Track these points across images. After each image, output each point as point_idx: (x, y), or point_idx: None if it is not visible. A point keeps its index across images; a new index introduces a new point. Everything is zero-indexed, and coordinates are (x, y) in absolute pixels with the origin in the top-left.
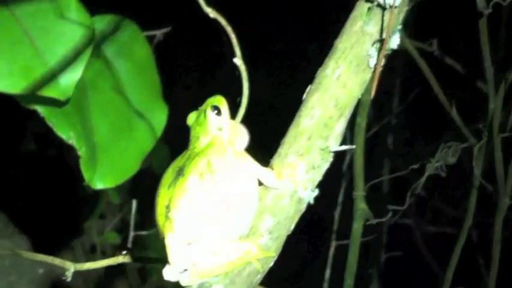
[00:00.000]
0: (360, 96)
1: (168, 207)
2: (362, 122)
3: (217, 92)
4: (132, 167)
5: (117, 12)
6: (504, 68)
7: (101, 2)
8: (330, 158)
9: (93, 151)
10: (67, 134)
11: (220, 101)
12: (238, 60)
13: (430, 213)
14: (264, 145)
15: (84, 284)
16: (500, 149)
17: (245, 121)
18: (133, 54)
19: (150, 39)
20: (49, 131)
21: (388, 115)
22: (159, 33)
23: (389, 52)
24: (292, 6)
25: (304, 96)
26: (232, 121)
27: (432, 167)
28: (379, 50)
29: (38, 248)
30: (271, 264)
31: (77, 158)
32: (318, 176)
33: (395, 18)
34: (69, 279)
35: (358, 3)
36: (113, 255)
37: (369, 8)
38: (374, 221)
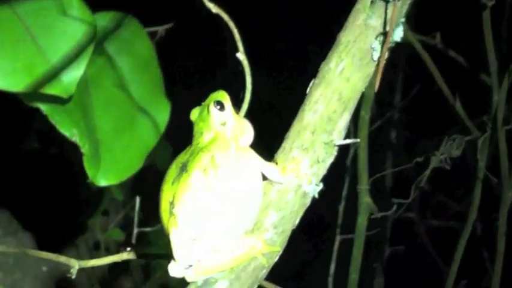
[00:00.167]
0: (363, 90)
1: (172, 203)
2: (366, 115)
3: (217, 90)
4: (136, 163)
5: (118, 10)
6: (507, 60)
7: None
8: (334, 152)
9: (97, 148)
10: (70, 132)
11: (224, 96)
12: (241, 55)
13: (434, 207)
14: (265, 144)
15: (88, 281)
16: (505, 141)
17: (246, 119)
18: (135, 50)
19: (151, 37)
20: (52, 129)
21: (390, 110)
22: (160, 29)
23: (393, 45)
24: (292, 6)
25: (308, 90)
26: (237, 116)
27: (437, 159)
28: (383, 43)
29: (41, 246)
30: (276, 259)
31: (80, 155)
32: (322, 170)
33: (399, 11)
34: (73, 277)
35: None
36: (117, 252)
37: (372, 1)
38: (378, 215)
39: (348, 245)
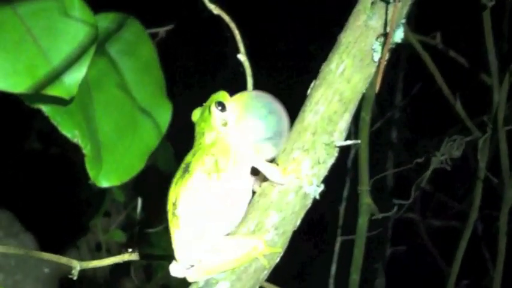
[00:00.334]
0: (364, 91)
1: (174, 204)
2: (366, 116)
3: (218, 91)
4: (137, 164)
5: (119, 11)
6: (508, 59)
7: (102, 0)
8: (335, 153)
9: (98, 149)
10: (72, 133)
11: (225, 97)
12: (242, 57)
13: (435, 207)
14: None
15: (90, 282)
16: (505, 142)
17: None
18: (137, 52)
19: (152, 38)
20: (53, 130)
21: (391, 110)
22: (161, 30)
23: (394, 46)
24: (292, 6)
25: (309, 91)
26: (238, 116)
27: (437, 160)
28: (383, 44)
29: (43, 247)
30: (278, 260)
31: (81, 156)
32: (323, 171)
33: (399, 12)
34: (75, 278)
35: None
36: (119, 253)
37: (373, 2)
38: (379, 216)
39: (349, 246)
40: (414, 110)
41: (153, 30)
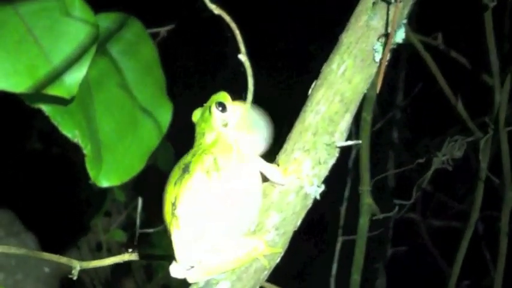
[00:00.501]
0: (365, 91)
1: (174, 204)
2: (368, 116)
3: (218, 91)
4: (138, 164)
5: (118, 11)
6: (509, 60)
7: (103, 0)
8: (336, 154)
9: (99, 149)
10: (72, 133)
11: (225, 97)
12: (243, 57)
13: (436, 207)
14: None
15: (90, 282)
16: (507, 142)
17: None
18: (138, 52)
19: (153, 38)
20: (54, 130)
21: (392, 110)
22: (162, 30)
23: (395, 46)
24: (293, 6)
25: (310, 91)
26: (240, 116)
27: (439, 161)
28: (384, 44)
29: (44, 247)
30: (278, 260)
31: (82, 156)
32: (324, 171)
33: (400, 13)
34: (75, 278)
35: None
36: (119, 253)
37: (374, 3)
38: (380, 216)
39: (350, 246)
40: (415, 110)
41: (154, 30)
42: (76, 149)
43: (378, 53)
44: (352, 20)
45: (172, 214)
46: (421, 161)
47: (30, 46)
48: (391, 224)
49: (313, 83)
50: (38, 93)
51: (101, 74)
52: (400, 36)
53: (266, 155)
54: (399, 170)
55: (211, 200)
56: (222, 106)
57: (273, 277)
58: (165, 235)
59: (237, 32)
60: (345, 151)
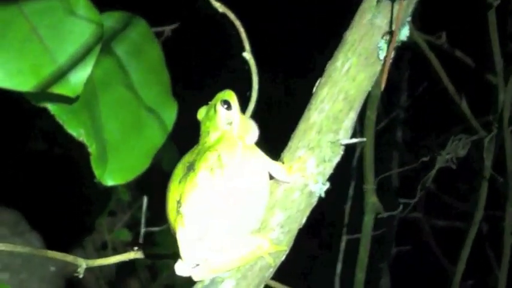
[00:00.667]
0: (369, 89)
1: (179, 202)
2: (372, 115)
3: (223, 90)
4: (143, 163)
5: (122, 10)
6: None
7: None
8: (340, 151)
9: (104, 148)
10: (77, 131)
11: (230, 96)
12: (247, 55)
13: (439, 207)
14: (271, 143)
15: (95, 281)
16: (511, 141)
17: (253, 118)
18: (143, 51)
19: (157, 37)
20: (57, 129)
21: (396, 109)
22: (167, 29)
23: (399, 44)
24: (297, 4)
25: (314, 89)
26: (242, 115)
27: (443, 159)
28: (389, 42)
29: (49, 246)
30: (283, 258)
31: (87, 155)
32: (328, 169)
33: (405, 11)
34: (81, 276)
35: None
36: (124, 252)
37: (378, 1)
38: (385, 215)
39: (354, 245)
40: (419, 109)
41: (159, 29)
42: (80, 148)
43: (382, 51)
44: (357, 17)
45: (177, 212)
46: (425, 159)
47: (35, 45)
48: (395, 224)
49: (318, 81)
50: (43, 92)
51: (106, 74)
52: (404, 34)
53: (270, 153)
54: (403, 169)
55: (215, 197)
56: (227, 104)
57: (278, 275)
58: (170, 234)
59: (242, 30)
60: (349, 149)
